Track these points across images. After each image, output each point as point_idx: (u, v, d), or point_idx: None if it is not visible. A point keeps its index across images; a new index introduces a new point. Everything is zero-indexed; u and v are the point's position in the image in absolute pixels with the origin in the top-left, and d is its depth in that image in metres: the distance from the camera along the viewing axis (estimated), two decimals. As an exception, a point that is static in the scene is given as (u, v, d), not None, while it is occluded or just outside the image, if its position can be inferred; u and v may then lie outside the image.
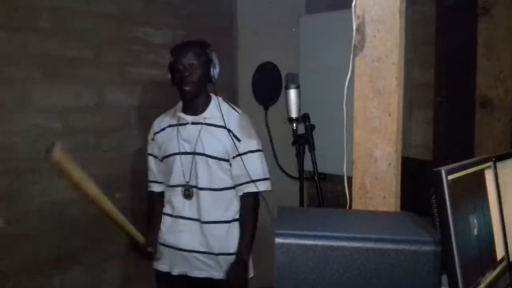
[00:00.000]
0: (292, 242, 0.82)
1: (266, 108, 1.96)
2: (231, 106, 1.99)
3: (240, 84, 3.21)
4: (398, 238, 0.83)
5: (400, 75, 1.22)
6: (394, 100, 1.21)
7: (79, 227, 2.47)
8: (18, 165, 2.29)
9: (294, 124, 1.85)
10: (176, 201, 1.96)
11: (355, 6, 1.23)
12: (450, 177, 0.99)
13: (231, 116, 1.93)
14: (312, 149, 1.87)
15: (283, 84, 1.86)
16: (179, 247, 1.96)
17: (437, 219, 1.10)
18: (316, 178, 1.89)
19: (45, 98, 2.37)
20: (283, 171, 2.03)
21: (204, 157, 1.89)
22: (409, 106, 2.75)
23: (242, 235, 1.94)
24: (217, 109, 1.91)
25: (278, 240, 0.83)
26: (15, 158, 2.28)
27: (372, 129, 1.24)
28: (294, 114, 1.83)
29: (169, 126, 2.00)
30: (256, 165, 1.92)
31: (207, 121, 1.92)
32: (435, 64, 2.63)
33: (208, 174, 1.90)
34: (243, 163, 1.89)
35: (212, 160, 1.89)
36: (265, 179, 1.94)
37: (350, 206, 1.28)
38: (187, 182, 1.91)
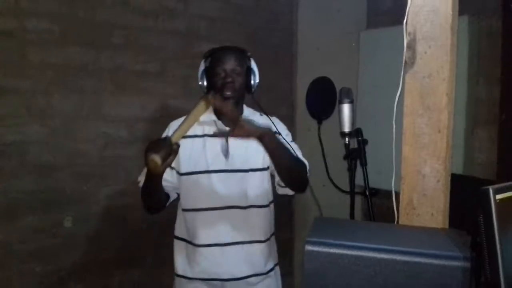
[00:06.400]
0: (321, 250, 0.84)
1: (319, 122, 1.98)
2: (260, 114, 1.79)
3: (298, 98, 3.26)
4: (425, 252, 0.83)
5: (450, 92, 1.21)
6: (444, 116, 1.21)
7: (140, 231, 2.61)
8: (88, 170, 2.47)
9: (347, 139, 1.85)
10: (222, 226, 1.69)
11: (406, 23, 1.25)
12: (499, 196, 0.97)
13: (266, 120, 1.74)
14: (363, 164, 1.86)
15: (337, 99, 1.87)
16: (232, 276, 1.72)
17: (484, 239, 1.06)
18: (367, 193, 1.87)
19: (114, 108, 2.55)
20: (335, 185, 2.04)
21: (254, 172, 1.71)
22: (472, 123, 2.66)
23: None
24: (254, 117, 1.71)
25: (308, 247, 0.85)
26: (86, 163, 2.46)
27: (421, 145, 1.23)
28: (346, 128, 1.82)
29: (204, 135, 1.70)
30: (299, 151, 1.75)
31: None
32: (501, 79, 2.53)
33: (260, 189, 1.72)
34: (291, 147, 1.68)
35: (260, 173, 1.72)
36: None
37: (398, 223, 1.28)
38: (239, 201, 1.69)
